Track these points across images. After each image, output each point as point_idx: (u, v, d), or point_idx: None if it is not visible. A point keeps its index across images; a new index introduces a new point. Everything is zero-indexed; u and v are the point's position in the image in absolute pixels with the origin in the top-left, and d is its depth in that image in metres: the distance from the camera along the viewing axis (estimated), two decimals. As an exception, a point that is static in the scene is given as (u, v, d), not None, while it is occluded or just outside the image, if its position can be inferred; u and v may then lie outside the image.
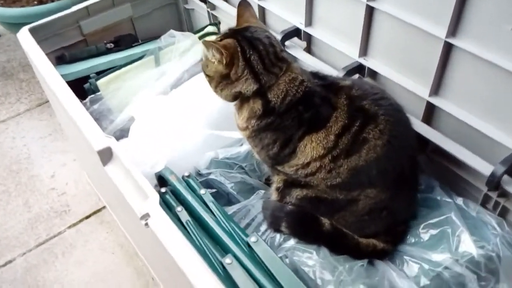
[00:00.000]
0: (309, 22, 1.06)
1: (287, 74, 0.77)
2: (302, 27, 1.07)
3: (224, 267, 0.69)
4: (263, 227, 0.88)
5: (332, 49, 1.02)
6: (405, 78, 0.90)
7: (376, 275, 0.76)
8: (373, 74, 0.96)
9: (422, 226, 0.82)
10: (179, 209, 0.79)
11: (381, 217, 0.81)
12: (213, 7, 1.33)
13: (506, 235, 0.76)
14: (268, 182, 0.95)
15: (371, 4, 0.87)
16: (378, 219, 0.81)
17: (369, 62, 0.95)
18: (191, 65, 1.14)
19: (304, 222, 0.82)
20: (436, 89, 0.85)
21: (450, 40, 0.77)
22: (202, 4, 1.35)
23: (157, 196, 0.70)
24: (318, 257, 0.78)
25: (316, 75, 0.82)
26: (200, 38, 1.23)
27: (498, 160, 0.76)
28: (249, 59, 0.76)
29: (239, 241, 0.76)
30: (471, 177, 0.83)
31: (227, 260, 0.70)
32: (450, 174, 0.86)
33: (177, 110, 1.02)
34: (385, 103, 0.77)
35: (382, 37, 0.91)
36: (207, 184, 0.94)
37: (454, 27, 0.76)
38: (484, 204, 0.83)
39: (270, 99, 0.77)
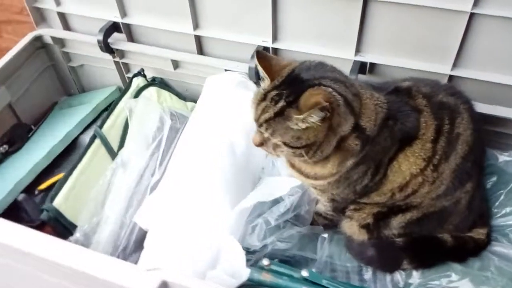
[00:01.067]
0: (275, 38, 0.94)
1: (362, 93, 0.66)
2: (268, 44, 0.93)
3: None
4: (367, 274, 0.76)
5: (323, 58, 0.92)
6: (418, 61, 0.87)
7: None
8: (373, 69, 0.91)
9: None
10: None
11: (476, 206, 0.77)
12: (122, 54, 1.07)
13: None
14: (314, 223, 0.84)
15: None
16: (475, 209, 0.77)
17: (368, 57, 0.89)
18: (152, 132, 0.90)
19: (427, 248, 0.73)
20: (456, 62, 0.84)
21: (475, 11, 0.76)
22: (101, 56, 1.07)
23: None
24: (456, 275, 0.71)
25: (369, 85, 0.72)
26: (135, 96, 0.98)
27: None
28: (344, 97, 0.61)
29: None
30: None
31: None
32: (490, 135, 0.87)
33: (190, 198, 0.79)
34: (450, 91, 0.73)
35: (380, 28, 0.85)
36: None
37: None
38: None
39: (363, 126, 0.64)
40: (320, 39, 0.90)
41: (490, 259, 0.73)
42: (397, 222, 0.73)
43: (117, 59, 1.07)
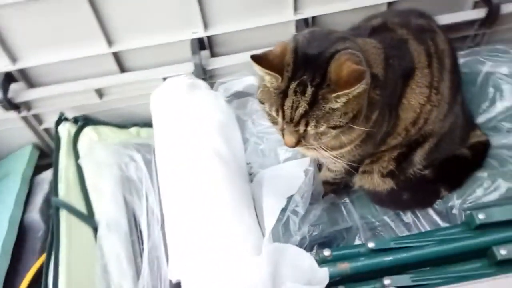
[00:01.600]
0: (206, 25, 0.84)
1: (360, 41, 0.62)
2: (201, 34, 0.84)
3: None
4: (407, 218, 0.75)
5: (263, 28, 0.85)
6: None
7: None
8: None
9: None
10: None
11: (466, 113, 0.80)
12: (28, 106, 0.88)
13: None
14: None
15: None
16: (467, 116, 0.80)
17: (309, 12, 0.85)
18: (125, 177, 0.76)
19: (455, 169, 0.75)
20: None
21: None
22: (3, 117, 0.87)
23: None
24: (488, 181, 0.74)
25: (348, 31, 0.68)
26: (74, 145, 0.82)
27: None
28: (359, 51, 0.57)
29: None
30: None
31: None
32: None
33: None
34: (417, 13, 0.73)
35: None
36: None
37: None
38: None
39: (376, 73, 0.61)
40: (253, 11, 0.84)
41: (501, 154, 0.77)
42: (419, 157, 0.73)
43: (24, 113, 0.88)
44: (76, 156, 0.81)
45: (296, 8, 0.84)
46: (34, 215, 0.83)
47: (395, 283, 0.58)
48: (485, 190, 0.72)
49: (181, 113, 0.80)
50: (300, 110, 0.53)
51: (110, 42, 0.83)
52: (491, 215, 0.62)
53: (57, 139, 0.84)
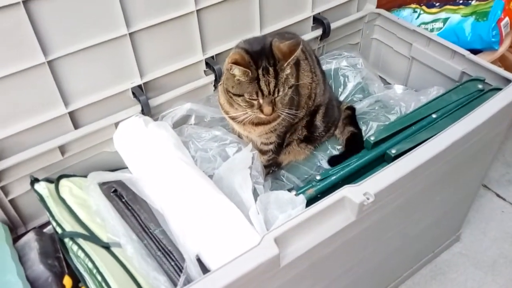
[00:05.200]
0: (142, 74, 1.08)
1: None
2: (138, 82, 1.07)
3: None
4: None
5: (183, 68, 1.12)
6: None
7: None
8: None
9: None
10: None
11: (334, 93, 1.20)
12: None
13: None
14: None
15: None
16: (335, 96, 1.20)
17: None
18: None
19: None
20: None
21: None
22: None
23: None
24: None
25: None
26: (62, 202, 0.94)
27: None
28: None
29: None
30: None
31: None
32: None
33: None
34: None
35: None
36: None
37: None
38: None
39: None
40: (173, 59, 1.10)
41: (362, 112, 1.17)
42: (318, 121, 1.08)
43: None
44: (64, 202, 0.93)
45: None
46: (37, 268, 0.90)
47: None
48: (365, 131, 1.11)
49: (145, 143, 1.00)
50: (272, 83, 0.83)
51: (66, 104, 1.00)
52: (377, 136, 0.99)
53: (39, 196, 0.94)
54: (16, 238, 0.99)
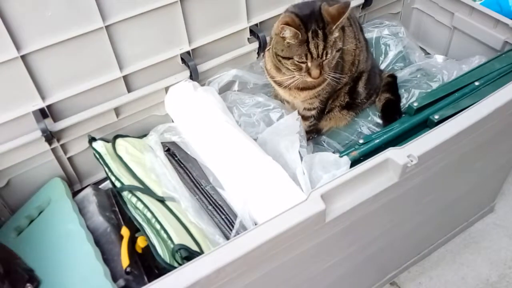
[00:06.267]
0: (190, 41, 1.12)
1: None
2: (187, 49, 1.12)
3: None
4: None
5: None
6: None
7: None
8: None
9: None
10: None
11: (376, 62, 1.22)
12: (59, 136, 1.03)
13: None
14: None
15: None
16: (377, 64, 1.22)
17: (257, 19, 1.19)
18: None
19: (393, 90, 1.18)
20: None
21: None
22: (36, 152, 1.01)
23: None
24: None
25: None
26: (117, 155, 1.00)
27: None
28: None
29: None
30: None
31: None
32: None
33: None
34: None
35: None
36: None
37: None
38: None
39: None
40: (219, 23, 1.14)
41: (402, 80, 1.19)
42: (361, 87, 1.11)
43: (55, 144, 1.03)
44: (121, 160, 1.00)
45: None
46: (96, 219, 0.97)
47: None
48: (407, 98, 1.13)
49: (194, 107, 1.05)
50: (321, 46, 0.86)
51: (121, 68, 1.05)
52: (420, 102, 1.01)
53: (98, 153, 1.01)
54: (73, 194, 1.07)
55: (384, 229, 1.02)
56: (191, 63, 1.10)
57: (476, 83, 1.03)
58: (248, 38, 1.20)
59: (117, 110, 1.08)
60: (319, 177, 0.91)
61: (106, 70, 1.03)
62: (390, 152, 0.85)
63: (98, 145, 1.02)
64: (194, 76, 1.11)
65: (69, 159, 1.09)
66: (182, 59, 1.11)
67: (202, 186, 0.96)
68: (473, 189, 1.25)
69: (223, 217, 0.91)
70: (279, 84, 1.01)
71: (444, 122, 0.89)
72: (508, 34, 1.16)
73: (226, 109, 1.10)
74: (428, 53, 1.39)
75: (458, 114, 0.90)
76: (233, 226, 0.89)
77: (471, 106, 0.91)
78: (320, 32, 0.87)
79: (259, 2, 1.16)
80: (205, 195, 0.95)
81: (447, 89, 1.03)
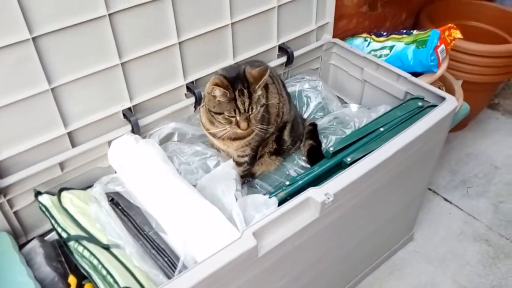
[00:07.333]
0: (131, 98, 1.22)
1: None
2: (128, 105, 1.22)
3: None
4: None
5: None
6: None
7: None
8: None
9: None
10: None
11: (299, 112, 1.39)
12: (5, 192, 1.08)
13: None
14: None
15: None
16: (300, 114, 1.39)
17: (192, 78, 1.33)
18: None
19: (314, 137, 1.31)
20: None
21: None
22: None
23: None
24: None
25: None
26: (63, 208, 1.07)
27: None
28: None
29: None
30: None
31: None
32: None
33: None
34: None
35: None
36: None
37: None
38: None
39: None
40: (158, 81, 1.26)
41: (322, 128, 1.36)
42: (286, 136, 1.26)
43: (1, 200, 1.08)
44: (66, 211, 1.06)
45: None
46: (44, 270, 1.01)
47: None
48: (325, 143, 1.29)
49: (136, 158, 1.15)
50: (247, 102, 1.01)
51: (65, 125, 1.13)
52: (336, 147, 1.18)
53: (44, 206, 1.06)
54: (20, 246, 1.11)
55: (313, 260, 1.15)
56: (132, 118, 1.20)
57: (381, 129, 1.21)
58: (185, 94, 1.32)
59: (62, 165, 1.15)
60: (252, 216, 1.03)
61: (51, 128, 1.11)
62: (310, 192, 0.99)
63: (44, 199, 1.08)
64: (136, 129, 1.21)
65: (15, 213, 1.13)
66: (124, 114, 1.21)
67: (145, 232, 1.04)
68: (391, 220, 1.42)
69: (165, 259, 1.00)
70: (214, 135, 1.14)
71: (355, 164, 1.05)
72: (408, 86, 1.37)
73: (167, 158, 1.21)
74: (346, 102, 1.58)
75: (366, 156, 1.07)
76: (175, 268, 0.97)
77: (376, 149, 1.08)
78: (245, 91, 1.02)
79: (194, 62, 1.30)
80: (148, 240, 1.03)
81: (357, 135, 1.20)
